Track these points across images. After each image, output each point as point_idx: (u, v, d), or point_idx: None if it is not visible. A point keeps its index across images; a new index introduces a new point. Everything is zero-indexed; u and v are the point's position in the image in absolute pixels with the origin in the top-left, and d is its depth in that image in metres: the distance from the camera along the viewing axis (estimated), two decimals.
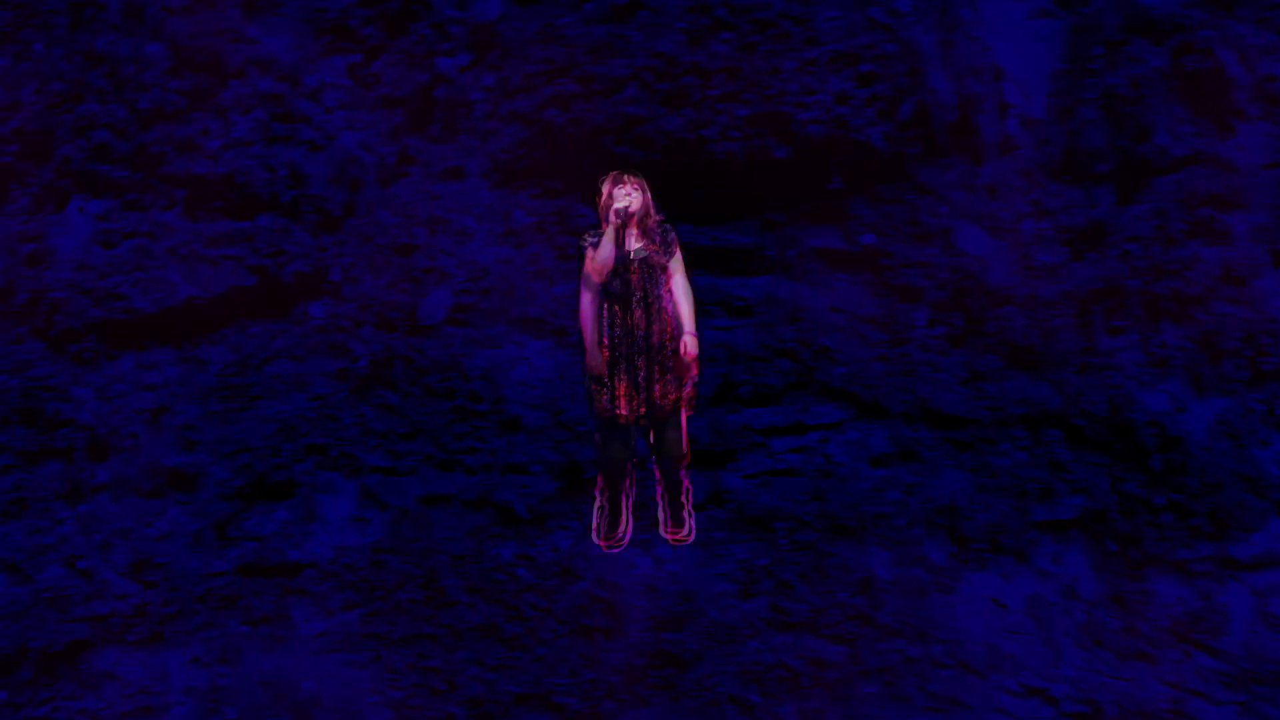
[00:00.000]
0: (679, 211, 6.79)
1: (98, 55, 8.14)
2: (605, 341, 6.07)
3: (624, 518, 6.46)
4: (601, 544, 6.52)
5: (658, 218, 6.15)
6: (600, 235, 6.04)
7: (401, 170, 8.36)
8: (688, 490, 6.47)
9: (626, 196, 6.04)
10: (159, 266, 8.17)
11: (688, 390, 6.17)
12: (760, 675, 7.81)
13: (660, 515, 6.52)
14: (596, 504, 6.51)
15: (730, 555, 8.03)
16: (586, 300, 6.07)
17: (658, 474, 6.45)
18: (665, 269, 6.10)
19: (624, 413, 6.12)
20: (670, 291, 6.11)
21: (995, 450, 8.10)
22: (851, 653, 7.81)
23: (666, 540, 6.61)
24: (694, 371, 6.12)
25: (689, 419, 6.27)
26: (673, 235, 6.17)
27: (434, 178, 8.39)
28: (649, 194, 6.13)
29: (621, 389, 6.09)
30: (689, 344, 6.05)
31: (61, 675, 7.95)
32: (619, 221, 5.98)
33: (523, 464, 8.10)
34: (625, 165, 6.65)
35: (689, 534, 6.54)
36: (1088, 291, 8.17)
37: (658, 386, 6.09)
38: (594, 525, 6.52)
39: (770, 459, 8.21)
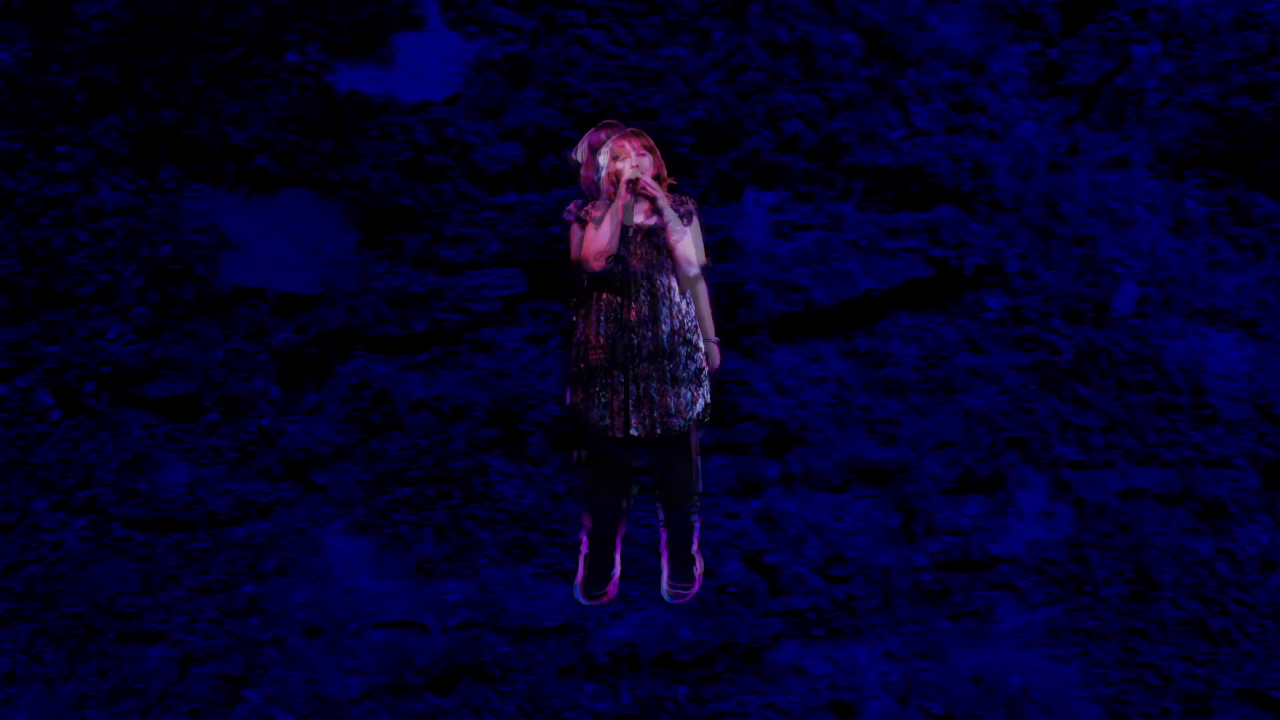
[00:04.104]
0: None
1: (783, 44, 8.08)
2: (596, 340, 4.87)
3: (611, 569, 5.27)
4: (582, 598, 5.33)
5: (673, 181, 5.00)
6: (587, 205, 4.83)
7: (1070, 160, 8.22)
8: (698, 538, 5.30)
9: (634, 166, 4.79)
10: (839, 259, 8.13)
11: (699, 404, 5.00)
12: None
13: (664, 566, 5.32)
14: (583, 551, 5.27)
15: None
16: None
17: (661, 516, 5.26)
18: (673, 249, 4.91)
19: (620, 435, 4.91)
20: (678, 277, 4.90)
21: None
22: None
23: (665, 596, 5.36)
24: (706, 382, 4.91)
25: (701, 445, 5.22)
26: (690, 205, 5.02)
27: (1099, 167, 8.23)
28: (659, 153, 4.97)
29: (617, 404, 4.87)
30: (714, 355, 4.95)
31: (743, 670, 8.02)
32: (629, 196, 4.74)
33: (1224, 457, 7.97)
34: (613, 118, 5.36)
35: (692, 592, 5.38)
36: None
37: (662, 398, 4.88)
38: (579, 576, 5.29)
39: None
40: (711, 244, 8.10)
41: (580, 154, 4.99)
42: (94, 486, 8.13)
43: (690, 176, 8.23)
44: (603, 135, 4.90)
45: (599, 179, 4.92)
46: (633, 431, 4.88)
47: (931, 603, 8.00)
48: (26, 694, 8.07)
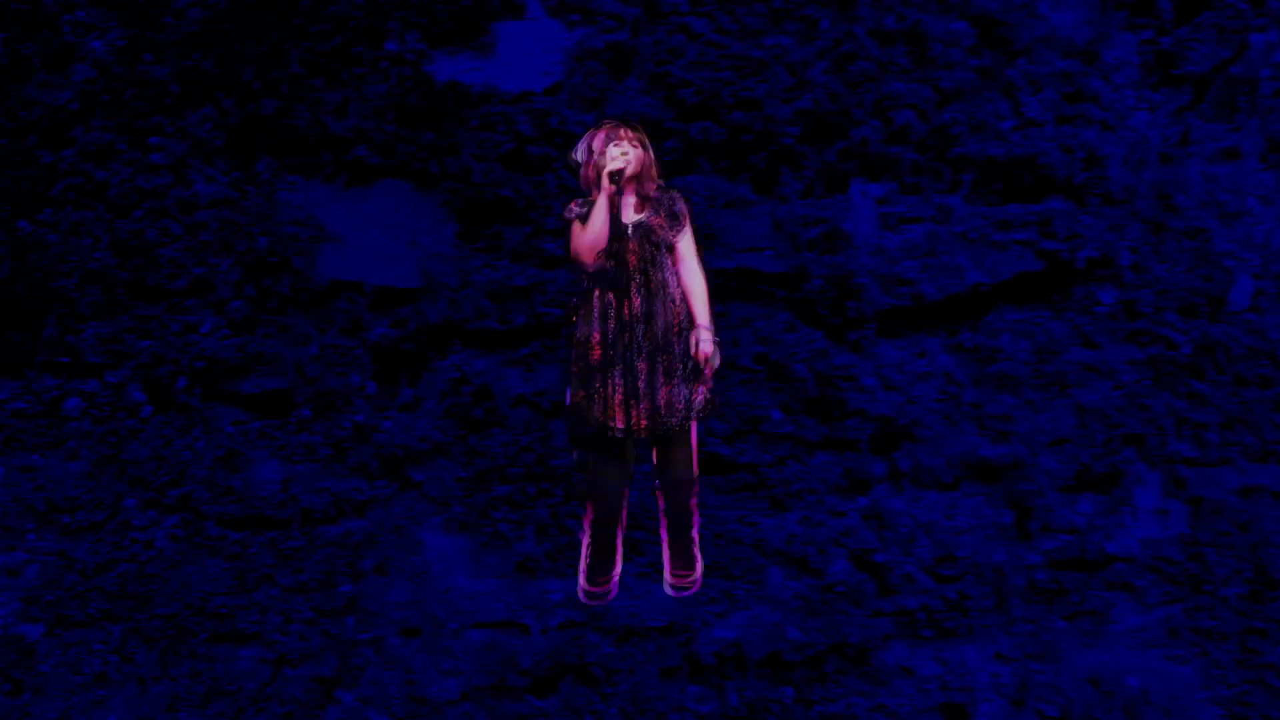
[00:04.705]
0: None
1: (891, 33, 7.92)
2: (596, 338, 4.90)
3: (616, 559, 5.33)
4: (586, 589, 5.38)
5: (660, 181, 5.00)
6: (591, 204, 4.85)
7: (1181, 151, 8.06)
8: (698, 524, 5.32)
9: (622, 155, 4.83)
10: (948, 252, 7.97)
11: (699, 398, 5.03)
12: None
13: (665, 556, 5.36)
14: (585, 542, 5.34)
15: None
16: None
17: (661, 505, 5.26)
18: (672, 247, 4.93)
19: (620, 427, 4.94)
20: (678, 275, 4.94)
21: None
22: None
23: (667, 590, 5.40)
24: (707, 374, 4.96)
25: (700, 434, 5.17)
26: (682, 206, 4.99)
27: (1209, 159, 8.08)
28: (650, 150, 4.94)
29: (617, 397, 4.91)
30: (703, 339, 4.92)
31: (850, 671, 7.87)
32: (613, 188, 4.76)
33: None
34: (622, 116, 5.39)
35: (696, 581, 5.38)
36: None
37: (663, 394, 4.92)
38: (581, 568, 5.37)
39: None
40: (816, 237, 7.99)
41: (580, 154, 5.01)
42: (186, 484, 7.97)
43: (795, 168, 8.08)
44: (602, 135, 4.94)
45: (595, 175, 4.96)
46: (634, 427, 4.94)
47: (1046, 602, 7.85)
48: (118, 695, 7.91)
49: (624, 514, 5.23)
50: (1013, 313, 8.07)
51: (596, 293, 4.91)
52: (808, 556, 7.98)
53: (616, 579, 5.37)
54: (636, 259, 4.87)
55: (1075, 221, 7.98)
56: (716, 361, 5.03)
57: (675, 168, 8.03)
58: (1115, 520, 7.88)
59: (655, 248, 4.90)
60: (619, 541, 5.30)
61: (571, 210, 4.96)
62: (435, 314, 7.96)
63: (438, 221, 8.01)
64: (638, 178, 4.94)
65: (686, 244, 4.99)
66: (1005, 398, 7.92)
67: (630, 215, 4.94)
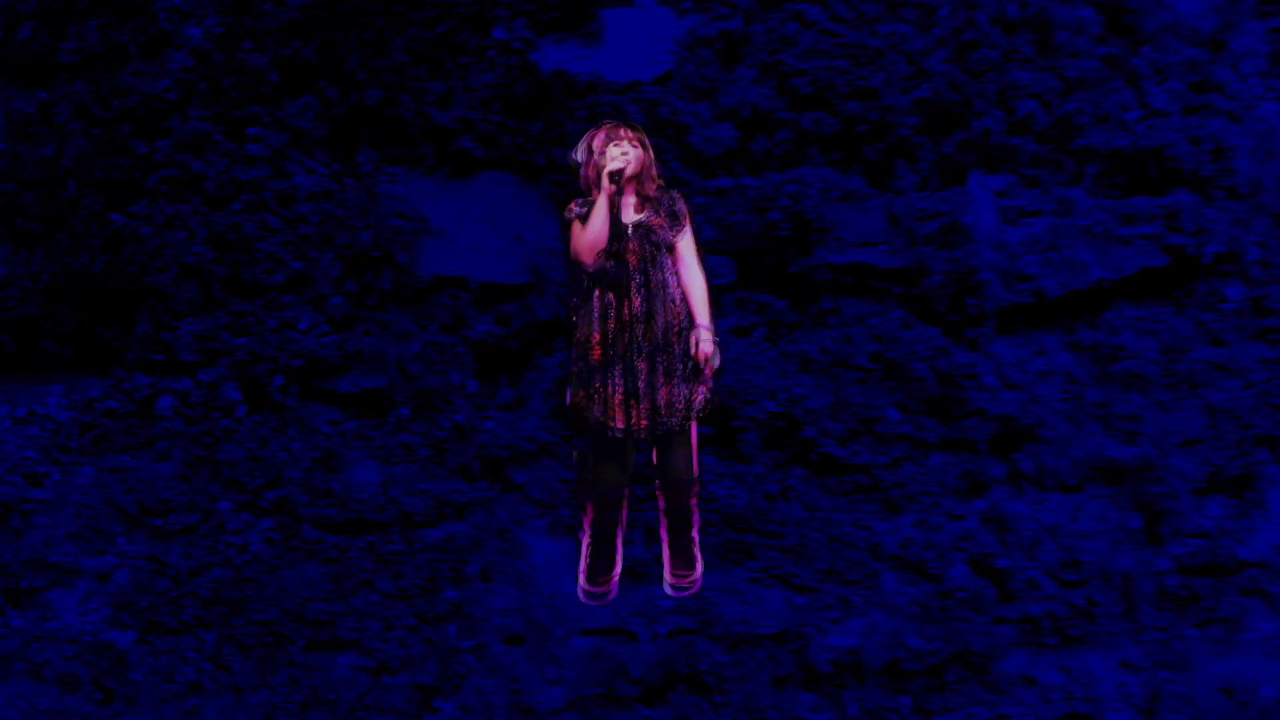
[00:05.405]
0: None
1: (1013, 20, 7.68)
2: (596, 338, 4.87)
3: (616, 559, 5.30)
4: (586, 589, 5.34)
5: (660, 181, 4.97)
6: (590, 204, 4.83)
7: None
8: (698, 524, 5.28)
9: (622, 155, 4.80)
10: (1070, 246, 7.73)
11: (699, 398, 4.99)
12: None
13: (665, 556, 5.33)
14: (585, 541, 5.29)
15: None
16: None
17: (661, 504, 5.24)
18: (672, 247, 4.90)
19: (620, 427, 4.91)
20: (678, 275, 4.90)
21: None
22: None
23: (667, 590, 5.38)
24: (707, 374, 4.93)
25: (700, 434, 5.12)
26: (681, 206, 4.97)
27: None
28: (650, 150, 4.93)
29: (617, 397, 4.89)
30: (702, 339, 4.88)
31: (970, 679, 7.62)
32: (613, 187, 4.73)
33: None
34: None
35: (696, 581, 5.34)
36: None
37: (663, 394, 4.89)
38: (581, 567, 5.33)
39: None
40: (934, 231, 7.74)
41: (581, 154, 4.99)
42: (282, 486, 7.72)
43: (911, 160, 7.84)
44: (602, 135, 4.92)
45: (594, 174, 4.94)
46: (633, 427, 4.93)
47: (1177, 609, 7.59)
48: (212, 704, 7.67)
49: (624, 514, 5.22)
50: (1131, 309, 7.83)
51: (596, 293, 4.89)
52: (925, 561, 7.72)
53: (616, 578, 5.36)
54: (636, 259, 4.86)
55: (1201, 215, 7.73)
56: (716, 361, 5.01)
57: (786, 160, 7.80)
58: (1247, 524, 7.63)
59: (655, 248, 4.89)
60: (619, 542, 5.28)
61: (571, 210, 4.94)
62: (545, 310, 7.71)
63: (543, 215, 7.76)
64: (638, 178, 4.92)
65: (687, 244, 4.97)
66: (1133, 397, 7.67)
67: (630, 215, 4.92)
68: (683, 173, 7.69)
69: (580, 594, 5.41)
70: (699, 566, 5.32)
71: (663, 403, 4.92)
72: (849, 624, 7.71)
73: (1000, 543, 7.70)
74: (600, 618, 7.71)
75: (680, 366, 4.91)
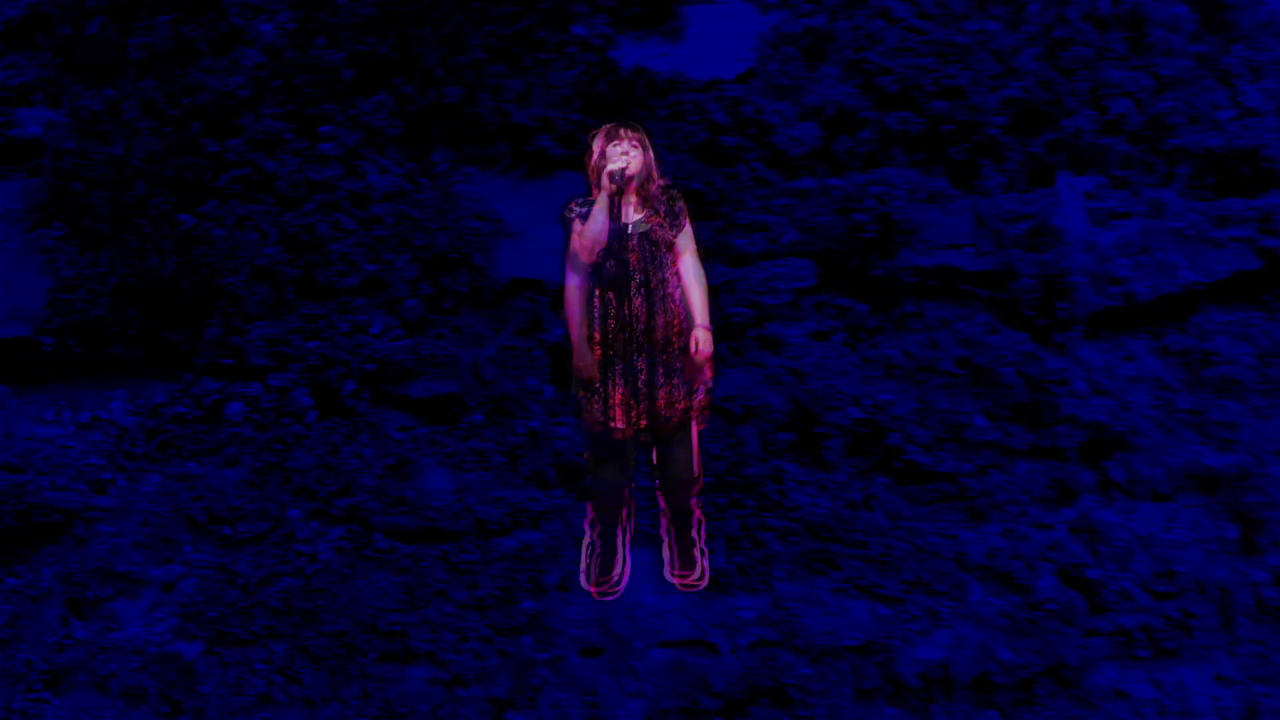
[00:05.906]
0: None
1: (1106, 17, 7.51)
2: (597, 337, 4.88)
3: (619, 556, 5.29)
4: (592, 590, 5.33)
5: (661, 182, 4.97)
6: (590, 204, 4.88)
7: None
8: (700, 522, 5.28)
9: (623, 155, 4.83)
10: (1162, 249, 7.55)
11: (699, 398, 4.99)
12: None
13: (666, 554, 5.34)
14: (586, 540, 5.30)
15: None
16: (574, 285, 4.90)
17: (662, 503, 5.23)
18: (671, 246, 4.90)
19: (621, 426, 4.92)
20: (678, 275, 4.90)
21: None
22: None
23: (673, 585, 5.38)
24: (707, 374, 4.93)
25: (701, 433, 5.07)
26: (681, 205, 4.97)
27: None
28: (651, 151, 4.93)
29: (618, 396, 4.89)
30: (701, 339, 4.84)
31: (1059, 693, 7.43)
32: (614, 187, 4.76)
33: None
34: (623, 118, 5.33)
35: (701, 577, 5.33)
36: None
37: (662, 393, 4.89)
38: (583, 566, 5.32)
39: None
40: (1023, 233, 7.56)
41: (585, 155, 5.04)
42: (355, 494, 7.53)
43: (998, 160, 7.67)
44: (603, 135, 4.97)
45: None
46: (634, 426, 4.94)
47: (1274, 622, 7.40)
48: (281, 717, 7.47)
49: (625, 512, 5.21)
50: (1220, 314, 7.65)
51: (596, 292, 4.90)
52: (1013, 572, 7.54)
53: (618, 576, 5.34)
54: (637, 258, 4.86)
55: None
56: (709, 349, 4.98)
57: (869, 160, 7.63)
58: None
59: (655, 247, 4.90)
60: (619, 541, 5.27)
61: (571, 210, 4.99)
62: None
63: None
64: (638, 178, 4.92)
65: (686, 243, 4.98)
66: (1228, 403, 7.49)
67: (630, 215, 4.93)
68: (765, 173, 7.51)
69: (592, 592, 5.38)
70: (699, 567, 5.31)
71: (662, 402, 4.91)
72: (936, 636, 7.52)
73: (1091, 553, 7.52)
74: (680, 629, 7.53)
75: (680, 366, 4.91)
